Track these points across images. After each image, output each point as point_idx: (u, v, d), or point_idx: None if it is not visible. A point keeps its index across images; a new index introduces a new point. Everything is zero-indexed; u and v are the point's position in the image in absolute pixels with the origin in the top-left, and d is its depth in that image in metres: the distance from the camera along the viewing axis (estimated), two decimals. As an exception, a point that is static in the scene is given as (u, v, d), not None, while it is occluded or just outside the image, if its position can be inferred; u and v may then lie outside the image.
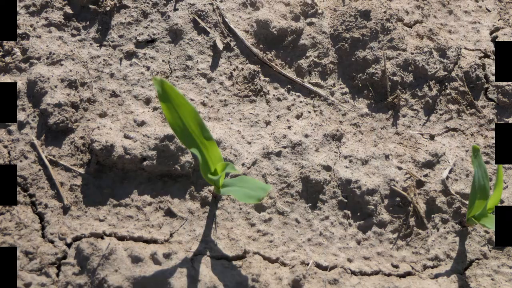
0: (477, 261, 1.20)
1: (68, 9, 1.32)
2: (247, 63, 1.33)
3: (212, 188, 1.19)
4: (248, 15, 1.37)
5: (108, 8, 1.33)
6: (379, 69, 1.34)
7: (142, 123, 1.22)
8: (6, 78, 1.24)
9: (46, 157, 1.18)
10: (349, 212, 1.21)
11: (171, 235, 1.14)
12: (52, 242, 1.11)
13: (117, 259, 1.08)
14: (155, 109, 1.25)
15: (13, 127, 1.20)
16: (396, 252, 1.19)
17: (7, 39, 1.23)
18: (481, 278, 1.17)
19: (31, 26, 1.29)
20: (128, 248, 1.09)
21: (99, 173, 1.18)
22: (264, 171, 1.22)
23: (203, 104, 1.28)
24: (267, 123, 1.28)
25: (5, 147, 1.18)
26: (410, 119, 1.33)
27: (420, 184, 1.24)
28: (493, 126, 1.34)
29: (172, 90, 1.01)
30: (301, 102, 1.31)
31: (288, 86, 1.33)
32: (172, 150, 1.17)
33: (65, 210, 1.14)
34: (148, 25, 1.33)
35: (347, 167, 1.24)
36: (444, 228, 1.22)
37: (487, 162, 1.30)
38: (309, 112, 1.30)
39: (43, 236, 1.11)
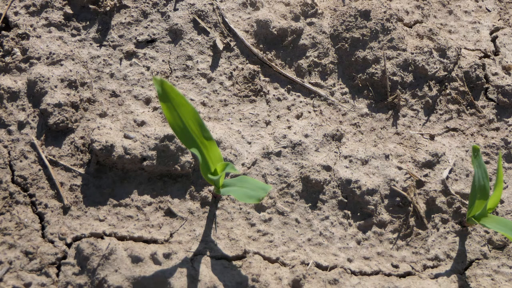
0: (477, 261, 1.20)
1: (68, 9, 1.32)
2: (247, 63, 1.33)
3: (212, 188, 1.19)
4: (248, 15, 1.37)
5: (108, 8, 1.33)
6: (379, 69, 1.34)
7: (142, 123, 1.22)
8: (6, 78, 1.24)
9: (46, 157, 1.18)
10: (349, 212, 1.21)
11: (171, 235, 1.14)
12: (52, 242, 1.11)
13: (117, 259, 1.08)
14: (155, 109, 1.25)
15: (13, 127, 1.20)
16: (396, 252, 1.19)
17: None
18: (481, 278, 1.17)
19: (31, 26, 1.29)
20: (128, 248, 1.09)
21: (99, 173, 1.18)
22: (264, 171, 1.22)
23: (203, 104, 1.28)
24: (267, 123, 1.28)
25: (5, 147, 1.18)
26: (410, 119, 1.33)
27: (420, 184, 1.24)
28: (493, 126, 1.34)
29: (172, 90, 1.01)
30: (301, 102, 1.31)
31: (288, 86, 1.33)
32: (172, 150, 1.17)
33: (65, 210, 1.14)
34: (148, 25, 1.33)
35: (347, 167, 1.24)
36: (444, 228, 1.22)
37: (487, 162, 1.30)
38: (309, 112, 1.30)
39: (43, 236, 1.11)
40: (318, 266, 1.15)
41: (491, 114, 1.35)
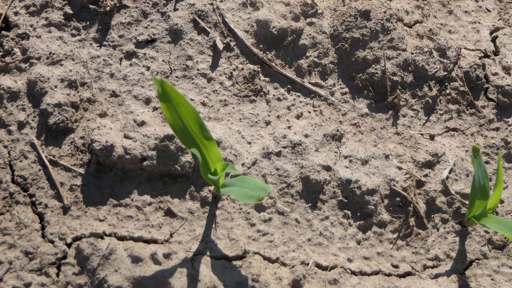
0: (477, 261, 1.20)
1: (68, 9, 1.32)
2: (247, 63, 1.33)
3: (212, 188, 1.19)
4: (248, 15, 1.37)
5: (108, 8, 1.33)
6: (379, 69, 1.34)
7: (142, 123, 1.22)
8: (6, 78, 1.24)
9: (46, 157, 1.18)
10: (349, 212, 1.21)
11: (171, 235, 1.14)
12: (52, 242, 1.11)
13: (117, 259, 1.08)
14: (155, 109, 1.25)
15: (13, 127, 1.20)
16: (396, 252, 1.19)
17: None
18: (481, 278, 1.17)
19: (31, 26, 1.29)
20: (128, 248, 1.09)
21: (99, 173, 1.18)
22: (264, 171, 1.22)
23: (203, 104, 1.28)
24: (267, 123, 1.28)
25: (5, 147, 1.18)
26: (410, 119, 1.33)
27: (420, 184, 1.24)
28: (493, 126, 1.34)
29: (172, 90, 1.01)
30: (301, 102, 1.31)
31: (288, 86, 1.33)
32: (172, 150, 1.17)
33: (65, 210, 1.14)
34: (148, 25, 1.33)
35: (347, 167, 1.24)
36: (444, 228, 1.22)
37: (487, 162, 1.30)
38: (309, 112, 1.30)
39: (43, 236, 1.11)
40: (318, 266, 1.15)
41: (491, 114, 1.35)
